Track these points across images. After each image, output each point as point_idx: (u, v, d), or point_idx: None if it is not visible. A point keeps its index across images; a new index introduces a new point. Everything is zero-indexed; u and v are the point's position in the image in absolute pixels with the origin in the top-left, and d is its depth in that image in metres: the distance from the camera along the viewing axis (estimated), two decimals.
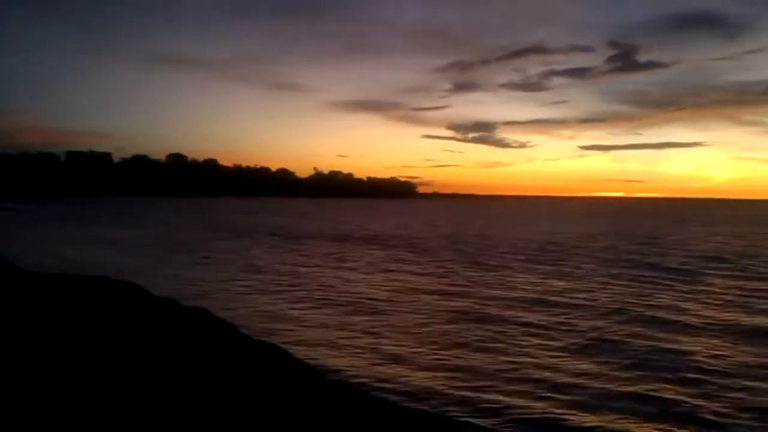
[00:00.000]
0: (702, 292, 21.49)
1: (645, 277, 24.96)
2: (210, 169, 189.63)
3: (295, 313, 16.80)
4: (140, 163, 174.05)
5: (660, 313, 17.25)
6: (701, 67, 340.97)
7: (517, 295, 20.31)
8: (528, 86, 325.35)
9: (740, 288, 22.37)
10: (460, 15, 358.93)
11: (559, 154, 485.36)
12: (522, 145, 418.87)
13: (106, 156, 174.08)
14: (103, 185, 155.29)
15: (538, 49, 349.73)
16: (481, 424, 8.92)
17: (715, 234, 55.57)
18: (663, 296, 20.33)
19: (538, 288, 21.84)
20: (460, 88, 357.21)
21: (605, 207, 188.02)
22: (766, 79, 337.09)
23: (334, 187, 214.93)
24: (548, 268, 27.96)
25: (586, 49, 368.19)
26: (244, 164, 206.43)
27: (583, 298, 19.71)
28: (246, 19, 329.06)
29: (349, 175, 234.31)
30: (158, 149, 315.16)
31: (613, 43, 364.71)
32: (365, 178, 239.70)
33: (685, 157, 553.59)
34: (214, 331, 13.04)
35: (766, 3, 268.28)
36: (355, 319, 16.17)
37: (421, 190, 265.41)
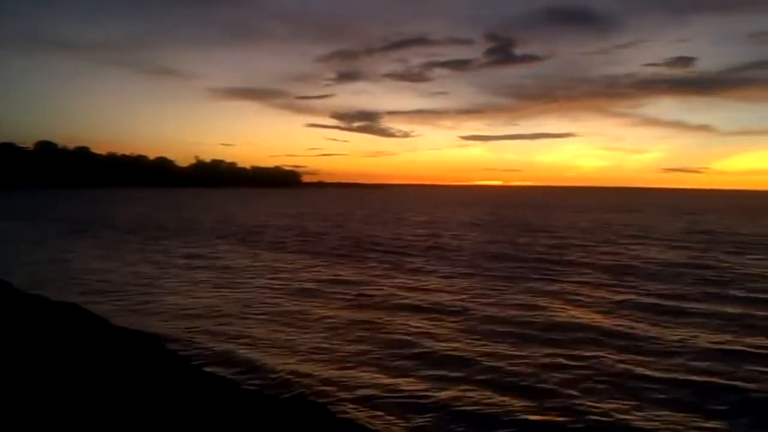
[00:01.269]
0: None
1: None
2: (82, 157, 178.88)
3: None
4: (5, 150, 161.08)
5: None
6: (573, 61, 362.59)
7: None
8: (411, 77, 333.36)
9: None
10: (345, 4, 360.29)
11: (441, 143, 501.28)
12: (405, 135, 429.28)
13: None
14: None
15: (421, 41, 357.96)
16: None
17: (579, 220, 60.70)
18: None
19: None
20: (345, 77, 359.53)
21: (484, 195, 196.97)
22: (634, 72, 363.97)
23: (216, 176, 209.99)
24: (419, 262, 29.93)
25: (466, 41, 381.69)
26: (120, 152, 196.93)
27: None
28: (124, 2, 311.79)
29: (233, 164, 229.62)
30: (25, 136, 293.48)
31: (491, 36, 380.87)
32: (249, 167, 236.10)
33: (559, 147, 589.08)
34: (85, 325, 13.61)
35: (632, 1, 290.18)
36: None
37: (306, 179, 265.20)
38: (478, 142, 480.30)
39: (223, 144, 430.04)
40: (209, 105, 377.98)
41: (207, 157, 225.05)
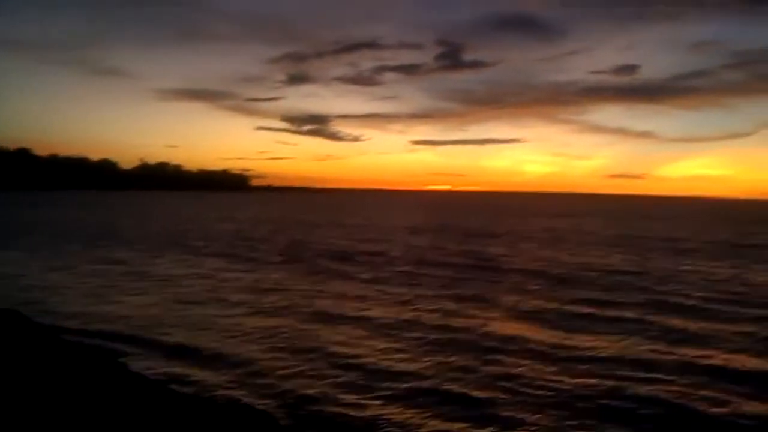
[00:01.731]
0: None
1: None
2: (22, 158, 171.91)
3: None
4: None
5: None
6: (521, 68, 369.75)
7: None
8: (361, 80, 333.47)
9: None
10: (295, 6, 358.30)
11: (390, 148, 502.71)
12: (355, 139, 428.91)
13: None
14: None
15: (371, 45, 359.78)
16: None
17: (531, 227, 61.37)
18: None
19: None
20: (295, 79, 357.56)
21: (432, 200, 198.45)
22: (580, 79, 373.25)
23: (162, 179, 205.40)
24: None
25: (416, 46, 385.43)
26: (62, 154, 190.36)
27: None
28: (66, 0, 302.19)
29: (178, 167, 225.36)
30: None
31: (441, 42, 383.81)
32: (196, 170, 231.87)
33: (506, 152, 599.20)
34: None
35: (578, 10, 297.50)
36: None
37: (255, 182, 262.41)
38: (427, 147, 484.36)
39: (168, 146, 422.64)
40: (155, 106, 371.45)
41: (152, 160, 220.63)
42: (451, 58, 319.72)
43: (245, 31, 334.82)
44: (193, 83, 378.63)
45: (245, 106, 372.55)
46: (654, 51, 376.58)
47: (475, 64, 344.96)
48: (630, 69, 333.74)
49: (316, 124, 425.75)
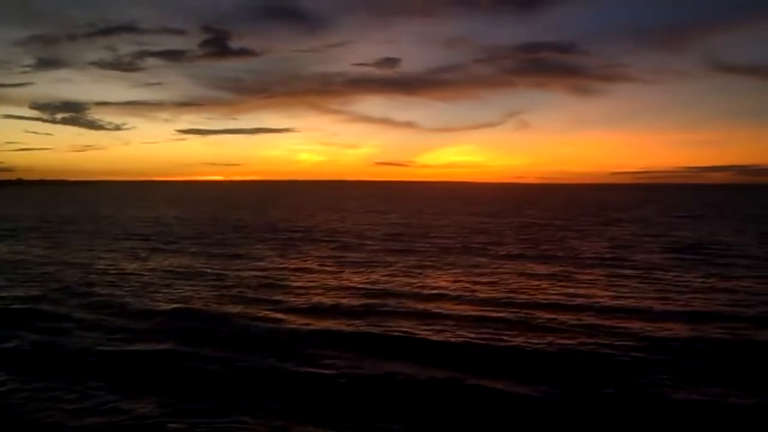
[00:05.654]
0: None
1: None
2: None
3: None
4: None
5: None
6: (289, 57, 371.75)
7: None
8: (121, 66, 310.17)
9: None
10: None
11: (156, 137, 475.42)
12: (117, 128, 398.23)
13: None
14: None
15: (130, 28, 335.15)
16: None
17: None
18: None
19: None
20: (45, 64, 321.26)
21: (202, 191, 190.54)
22: (345, 71, 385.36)
23: None
24: None
25: (179, 31, 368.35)
26: None
27: None
28: None
29: None
30: None
31: (206, 28, 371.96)
32: None
33: (278, 142, 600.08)
34: None
35: (342, 2, 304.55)
36: None
37: (1, 176, 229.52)
38: (196, 136, 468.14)
39: None
40: None
41: None
42: (218, 45, 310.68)
43: None
44: None
45: None
46: (413, 45, 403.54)
47: (242, 53, 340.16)
48: (391, 62, 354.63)
49: (71, 112, 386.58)
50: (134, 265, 24.87)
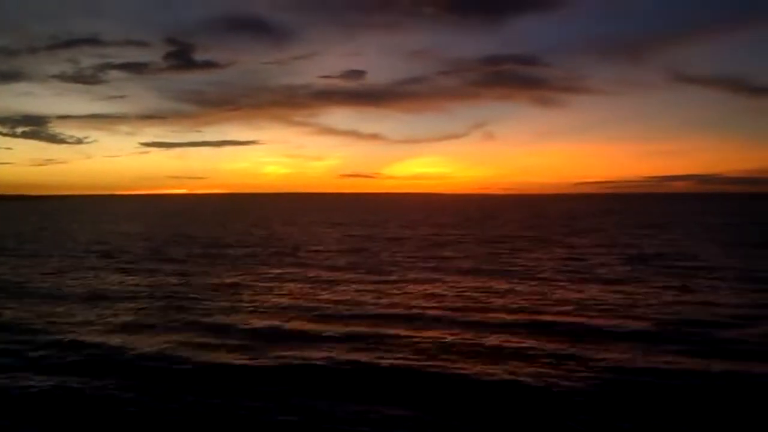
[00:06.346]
0: None
1: None
2: None
3: None
4: None
5: None
6: (254, 70, 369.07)
7: None
8: (82, 79, 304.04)
9: None
10: None
11: (119, 150, 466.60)
12: (79, 141, 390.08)
13: None
14: None
15: (92, 41, 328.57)
16: None
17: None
18: None
19: None
20: (5, 77, 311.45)
21: (166, 205, 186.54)
22: (311, 83, 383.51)
23: None
24: None
25: (142, 44, 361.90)
26: None
27: None
28: None
29: None
30: None
31: (170, 40, 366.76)
32: None
33: (244, 154, 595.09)
34: None
35: (306, 15, 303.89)
36: None
37: None
38: (160, 149, 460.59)
39: None
40: None
41: None
42: (181, 57, 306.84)
43: None
44: None
45: None
46: (378, 57, 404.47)
47: (206, 65, 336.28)
48: (357, 74, 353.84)
49: (32, 126, 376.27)
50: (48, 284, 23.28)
